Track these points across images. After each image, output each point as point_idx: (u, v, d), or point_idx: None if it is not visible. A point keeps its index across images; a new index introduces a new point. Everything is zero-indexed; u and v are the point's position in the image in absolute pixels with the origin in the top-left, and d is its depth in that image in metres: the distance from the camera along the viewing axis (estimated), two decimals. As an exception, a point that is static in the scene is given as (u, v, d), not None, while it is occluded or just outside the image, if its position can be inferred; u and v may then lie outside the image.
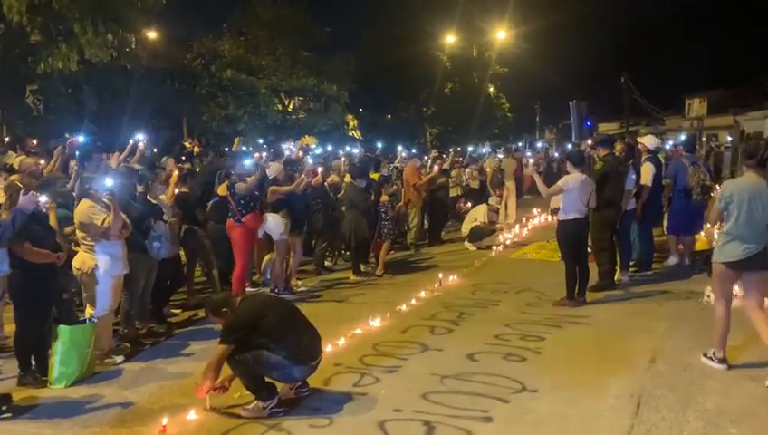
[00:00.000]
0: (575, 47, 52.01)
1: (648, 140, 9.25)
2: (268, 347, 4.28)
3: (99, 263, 5.53)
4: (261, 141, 19.99)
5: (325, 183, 10.15)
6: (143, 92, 16.72)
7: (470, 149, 22.06)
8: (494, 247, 11.16)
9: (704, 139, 24.33)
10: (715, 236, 6.42)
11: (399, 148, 13.91)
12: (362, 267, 9.66)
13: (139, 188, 6.23)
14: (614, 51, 50.38)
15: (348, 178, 9.86)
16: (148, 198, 6.63)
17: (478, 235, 11.52)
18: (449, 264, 10.11)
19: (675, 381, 4.82)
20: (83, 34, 12.72)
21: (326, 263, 10.23)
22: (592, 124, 20.93)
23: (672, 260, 9.08)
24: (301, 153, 11.97)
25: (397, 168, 13.13)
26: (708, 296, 7.20)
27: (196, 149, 17.09)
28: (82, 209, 5.57)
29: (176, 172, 8.18)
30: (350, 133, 38.48)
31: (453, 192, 14.89)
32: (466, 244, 11.53)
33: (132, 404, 4.74)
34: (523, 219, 14.06)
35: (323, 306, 7.65)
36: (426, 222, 12.49)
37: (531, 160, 8.41)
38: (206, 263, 8.12)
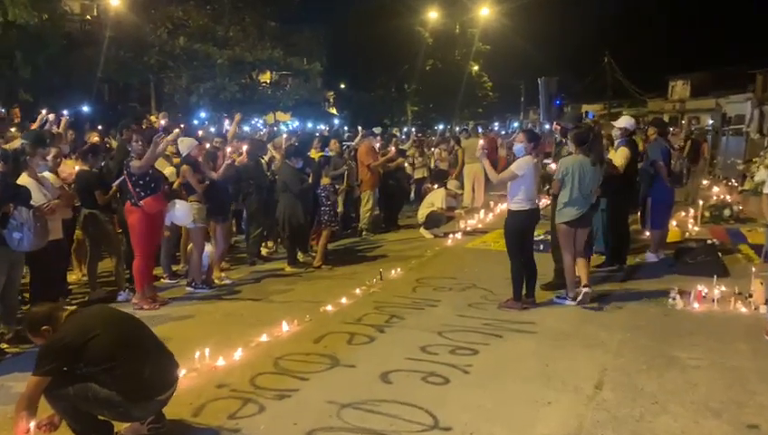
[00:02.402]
0: (561, 28, 51.00)
1: (623, 122, 8.22)
2: (96, 379, 3.31)
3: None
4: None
5: (263, 160, 9.21)
6: (85, 61, 15.35)
7: (440, 128, 21.00)
8: (452, 235, 10.25)
9: (683, 121, 23.50)
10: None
11: (359, 127, 12.86)
12: (300, 257, 8.72)
13: (-2, 167, 5.14)
14: (600, 32, 49.41)
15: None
16: (26, 178, 5.61)
17: (435, 221, 10.63)
18: (398, 254, 9.20)
19: (621, 416, 3.93)
20: (7, -6, 11.46)
21: (264, 251, 9.27)
22: (562, 103, 19.86)
23: (651, 257, 8.19)
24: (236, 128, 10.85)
25: (349, 147, 12.11)
26: (674, 299, 6.38)
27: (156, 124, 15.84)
28: None
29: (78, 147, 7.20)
30: (330, 110, 37.25)
31: (419, 174, 13.95)
32: (422, 231, 10.63)
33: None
34: (491, 204, 13.16)
35: (238, 305, 6.69)
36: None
37: (481, 142, 7.41)
38: (111, 252, 7.18)
